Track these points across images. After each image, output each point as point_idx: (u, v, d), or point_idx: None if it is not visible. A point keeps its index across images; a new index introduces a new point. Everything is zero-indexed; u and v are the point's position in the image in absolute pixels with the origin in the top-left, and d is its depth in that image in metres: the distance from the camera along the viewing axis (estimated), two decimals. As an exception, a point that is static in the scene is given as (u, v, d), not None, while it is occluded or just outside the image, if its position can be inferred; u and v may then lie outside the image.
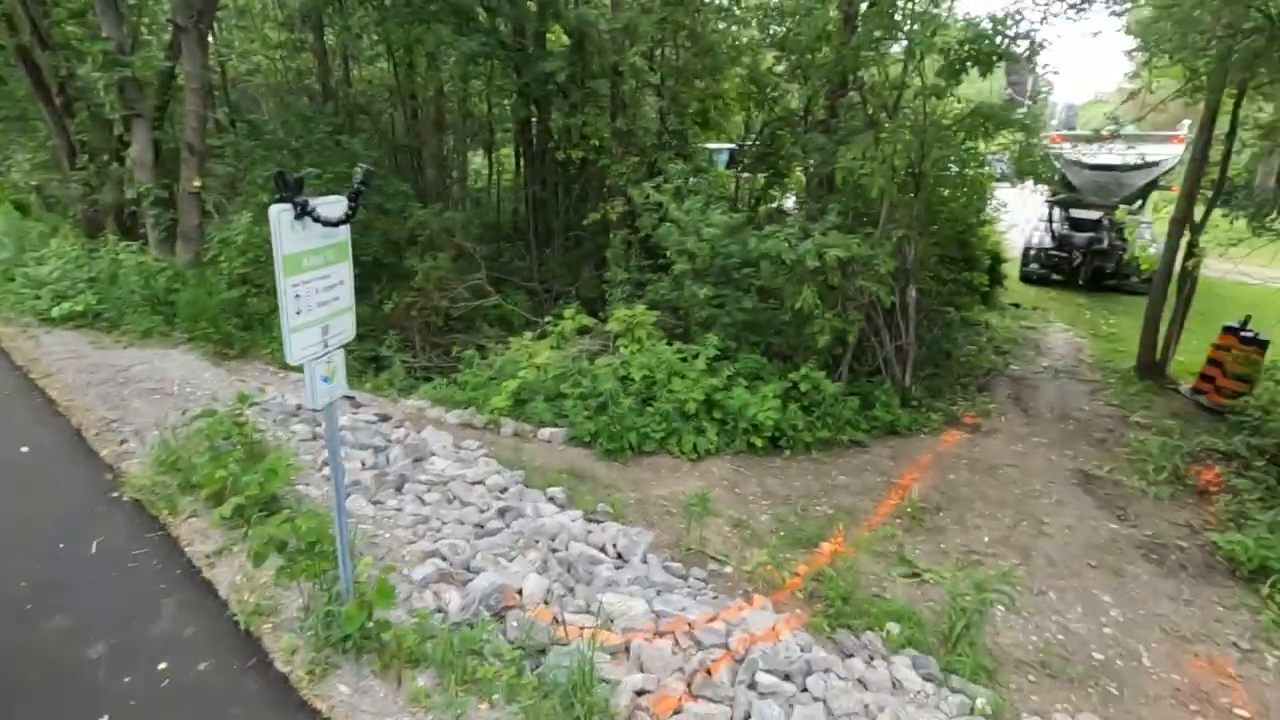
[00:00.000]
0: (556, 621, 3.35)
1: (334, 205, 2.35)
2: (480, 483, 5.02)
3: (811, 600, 4.67)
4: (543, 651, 3.03)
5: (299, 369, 2.38)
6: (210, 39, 10.01)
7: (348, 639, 2.71)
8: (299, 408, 5.49)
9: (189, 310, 6.98)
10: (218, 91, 11.85)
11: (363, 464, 4.74)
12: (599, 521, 5.02)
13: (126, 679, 2.61)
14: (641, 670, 3.12)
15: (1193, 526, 5.92)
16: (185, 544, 3.41)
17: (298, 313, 2.27)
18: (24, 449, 4.27)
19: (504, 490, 5.04)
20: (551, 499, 5.25)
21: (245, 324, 7.66)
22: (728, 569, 4.89)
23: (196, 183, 7.98)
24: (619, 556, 4.55)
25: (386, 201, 9.86)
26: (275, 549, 2.74)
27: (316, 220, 2.26)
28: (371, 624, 2.65)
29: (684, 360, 7.57)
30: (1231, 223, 8.87)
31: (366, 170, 2.36)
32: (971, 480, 6.86)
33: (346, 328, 2.57)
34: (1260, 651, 4.42)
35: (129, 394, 5.12)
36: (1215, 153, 9.28)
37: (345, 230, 2.43)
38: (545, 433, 6.77)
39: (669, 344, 7.80)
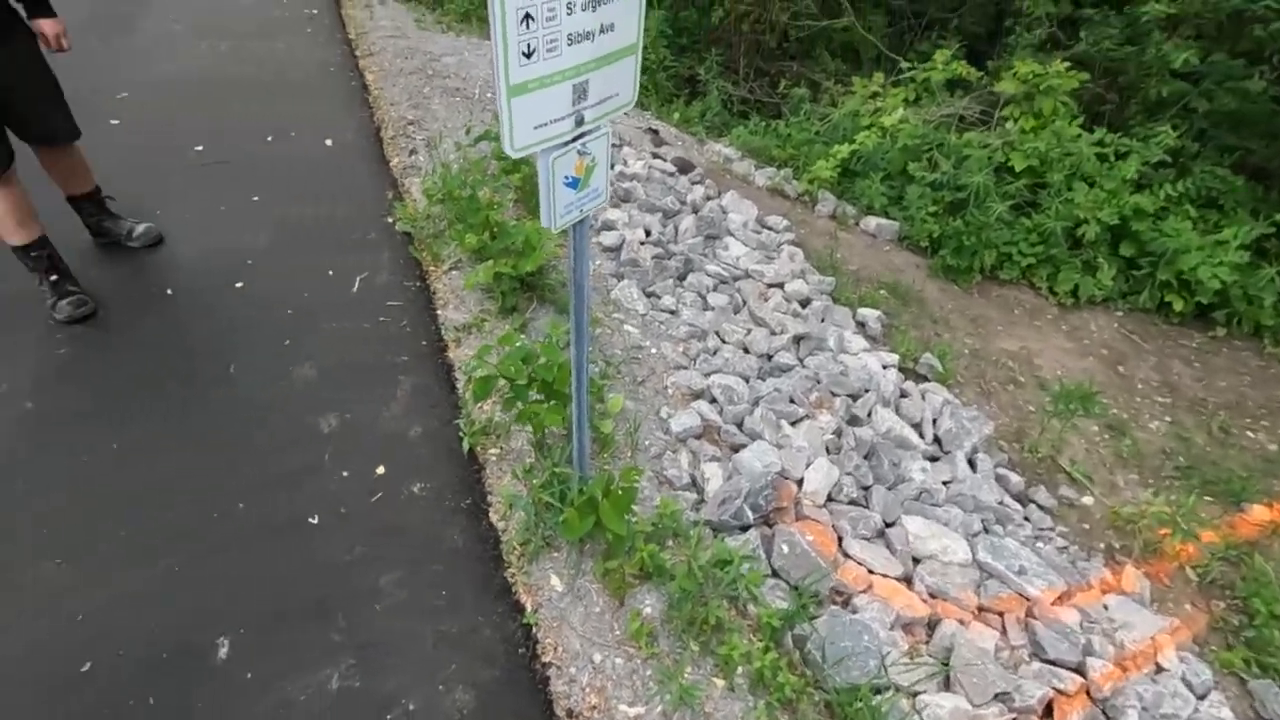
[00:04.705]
0: (843, 554, 2.40)
1: None
2: (779, 287, 3.93)
3: (1210, 591, 3.13)
4: (815, 599, 2.15)
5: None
6: None
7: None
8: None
9: (506, -7, 6.20)
10: None
11: (646, 233, 3.88)
12: (920, 379, 3.75)
13: (344, 473, 2.31)
14: (949, 684, 2.12)
15: None
16: (439, 305, 2.97)
17: (527, 54, 1.16)
18: (328, 142, 4.10)
19: (805, 304, 3.91)
20: (862, 326, 4.03)
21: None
22: (1087, 499, 3.44)
23: None
24: (937, 443, 3.34)
25: None
26: (509, 373, 2.05)
27: None
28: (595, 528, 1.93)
29: (1103, 159, 5.13)
30: None
31: None
32: None
33: (624, 87, 1.41)
34: None
35: (431, 91, 4.67)
36: None
37: None
38: (872, 223, 5.26)
39: (1087, 129, 5.31)
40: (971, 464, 3.27)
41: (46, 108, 2.77)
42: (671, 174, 4.77)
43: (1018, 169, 5.21)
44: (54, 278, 2.84)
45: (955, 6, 8.42)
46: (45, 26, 2.69)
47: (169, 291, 3.04)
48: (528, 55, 1.16)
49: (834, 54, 7.89)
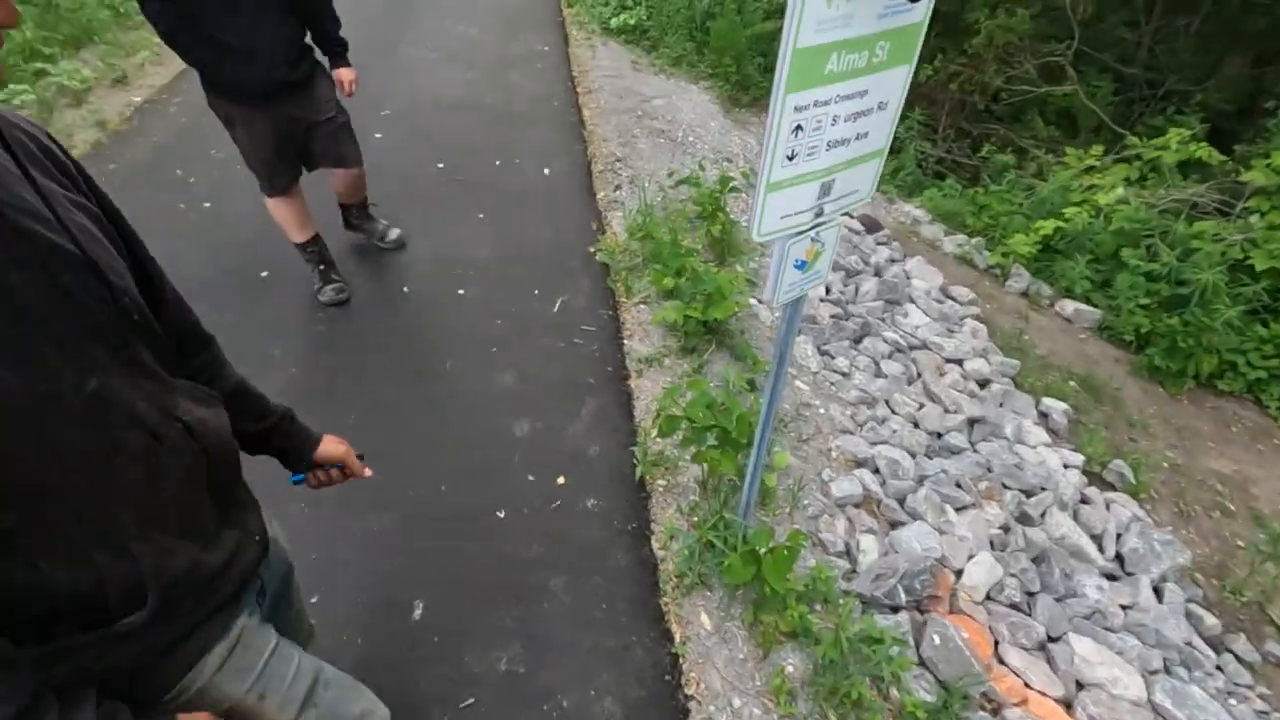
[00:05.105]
0: (998, 659, 2.31)
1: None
2: (958, 363, 3.81)
3: None
4: (964, 700, 2.09)
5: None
6: None
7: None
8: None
9: (719, 41, 6.51)
10: None
11: (826, 291, 3.92)
12: (1107, 486, 3.47)
13: (530, 477, 2.58)
14: (1104, 829, 1.97)
15: None
16: (625, 336, 3.22)
17: (790, 157, 1.30)
18: (546, 171, 4.53)
19: (984, 384, 3.76)
20: (1045, 417, 3.79)
21: (769, 64, 6.96)
22: (1300, 662, 2.99)
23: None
24: (1118, 561, 3.08)
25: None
26: (694, 416, 2.21)
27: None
28: (756, 581, 2.02)
29: (1375, 271, 4.45)
30: None
31: None
32: None
33: (864, 185, 1.52)
34: None
35: (640, 132, 5.03)
36: None
37: (925, 3, 1.25)
38: (1069, 307, 4.92)
39: (1356, 234, 4.63)
40: (1158, 593, 2.98)
41: (340, 140, 3.26)
42: (858, 232, 4.77)
43: (1259, 269, 4.66)
44: (322, 267, 3.41)
45: (1201, 79, 7.65)
46: (344, 74, 3.22)
47: (405, 289, 3.54)
48: (790, 158, 1.31)
49: (1047, 120, 7.46)
